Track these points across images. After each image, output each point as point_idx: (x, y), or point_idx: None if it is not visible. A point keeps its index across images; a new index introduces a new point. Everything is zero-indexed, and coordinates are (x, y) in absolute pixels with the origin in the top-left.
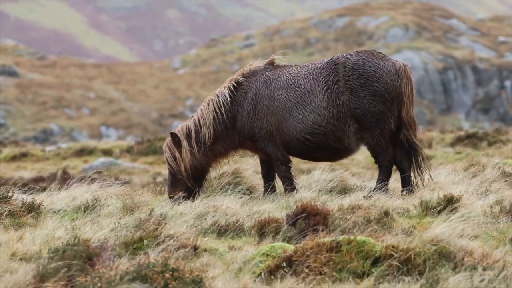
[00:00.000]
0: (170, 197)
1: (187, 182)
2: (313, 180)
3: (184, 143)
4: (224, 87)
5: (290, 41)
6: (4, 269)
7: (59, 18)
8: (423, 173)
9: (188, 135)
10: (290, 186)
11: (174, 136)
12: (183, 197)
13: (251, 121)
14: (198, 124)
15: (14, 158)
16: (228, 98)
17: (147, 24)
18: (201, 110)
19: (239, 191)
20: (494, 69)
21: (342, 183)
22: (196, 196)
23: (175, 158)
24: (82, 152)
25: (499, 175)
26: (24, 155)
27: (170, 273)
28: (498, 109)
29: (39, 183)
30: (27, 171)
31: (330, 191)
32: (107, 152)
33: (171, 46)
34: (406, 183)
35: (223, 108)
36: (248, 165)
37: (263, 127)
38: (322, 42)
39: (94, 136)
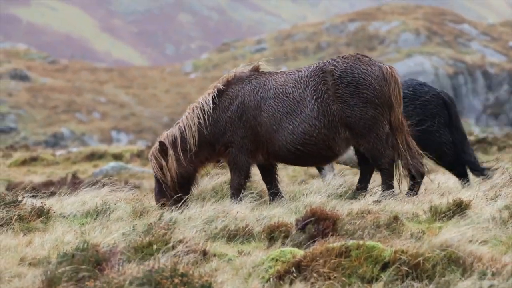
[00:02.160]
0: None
1: (172, 192)
2: (322, 185)
3: (170, 152)
4: (209, 94)
5: (301, 46)
6: (13, 274)
7: (71, 22)
8: (401, 179)
9: (173, 143)
10: (234, 197)
11: (162, 144)
12: (170, 205)
13: (234, 129)
14: (183, 131)
15: (24, 162)
16: (212, 105)
17: (159, 28)
18: (186, 117)
19: (249, 196)
20: (505, 74)
21: (352, 188)
22: (184, 203)
23: (161, 167)
24: (93, 157)
25: (509, 180)
26: (34, 159)
27: (179, 278)
28: (508, 114)
29: (49, 187)
30: (37, 176)
31: (340, 196)
32: (117, 157)
33: (182, 50)
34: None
35: (207, 114)
36: (257, 170)
37: (246, 136)
38: (333, 46)
39: (104, 140)
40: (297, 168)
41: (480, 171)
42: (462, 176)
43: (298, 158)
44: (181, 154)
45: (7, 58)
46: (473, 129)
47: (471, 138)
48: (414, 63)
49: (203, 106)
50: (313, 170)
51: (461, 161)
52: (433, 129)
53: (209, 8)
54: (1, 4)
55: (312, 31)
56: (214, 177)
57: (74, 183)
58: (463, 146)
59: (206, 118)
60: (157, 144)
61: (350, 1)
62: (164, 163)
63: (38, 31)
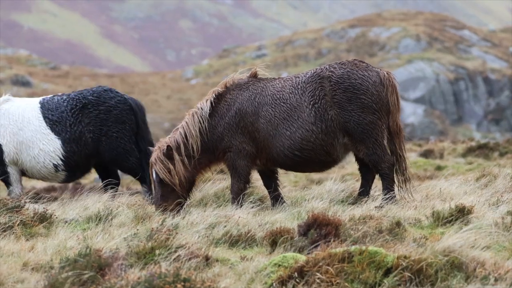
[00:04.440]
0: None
1: (182, 194)
2: (324, 190)
3: (177, 156)
4: (207, 100)
5: (302, 52)
6: (16, 279)
7: (72, 29)
8: (405, 184)
9: (177, 149)
10: (235, 202)
11: (169, 148)
12: (172, 209)
13: (232, 134)
14: (184, 137)
15: None
16: (210, 111)
17: (160, 35)
18: (186, 123)
19: (251, 201)
20: (506, 79)
21: (354, 194)
22: (183, 207)
23: (169, 171)
24: None
25: (511, 186)
26: None
27: (182, 283)
28: (510, 120)
29: (51, 192)
30: (39, 181)
31: (342, 202)
32: None
33: (183, 56)
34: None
35: (206, 120)
36: (258, 175)
37: (244, 142)
38: (334, 52)
39: None
40: (299, 174)
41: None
42: (144, 182)
43: (297, 163)
44: (186, 159)
45: (9, 64)
46: (474, 134)
47: (472, 144)
48: (414, 69)
49: (202, 112)
50: (315, 175)
51: (144, 169)
52: (118, 135)
53: (210, 15)
54: (3, 10)
55: (313, 37)
56: (216, 182)
57: (76, 189)
58: (147, 156)
59: (205, 124)
60: (158, 149)
61: (350, 7)
62: (171, 166)
63: (40, 37)
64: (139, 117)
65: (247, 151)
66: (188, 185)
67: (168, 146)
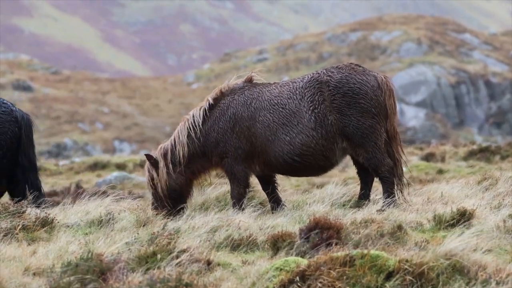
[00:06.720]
0: None
1: (163, 203)
2: (326, 194)
3: (161, 164)
4: (200, 107)
5: (303, 56)
6: (18, 283)
7: (73, 33)
8: (402, 188)
9: (164, 155)
10: (237, 207)
11: (149, 157)
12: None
13: (227, 139)
14: (173, 143)
15: None
16: (202, 118)
17: (161, 39)
18: (177, 130)
19: (253, 205)
20: (507, 83)
21: (356, 197)
22: (178, 215)
23: (152, 179)
24: (96, 167)
25: None
26: None
27: (184, 287)
28: (511, 123)
29: (52, 197)
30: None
31: (344, 205)
32: (120, 166)
33: (184, 60)
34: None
35: (197, 127)
36: (257, 179)
37: (240, 147)
38: (335, 56)
39: (107, 151)
40: (300, 177)
41: (39, 204)
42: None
43: (295, 168)
44: (171, 166)
45: (10, 69)
46: (476, 138)
47: (474, 147)
48: (416, 72)
49: (193, 119)
50: (317, 179)
51: (23, 187)
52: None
53: (211, 19)
54: (3, 14)
55: (314, 41)
56: (217, 186)
57: (78, 193)
58: (25, 172)
59: (196, 130)
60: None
61: (351, 11)
62: (155, 175)
63: (41, 42)
64: (24, 131)
65: (244, 156)
66: (174, 193)
67: (146, 155)
